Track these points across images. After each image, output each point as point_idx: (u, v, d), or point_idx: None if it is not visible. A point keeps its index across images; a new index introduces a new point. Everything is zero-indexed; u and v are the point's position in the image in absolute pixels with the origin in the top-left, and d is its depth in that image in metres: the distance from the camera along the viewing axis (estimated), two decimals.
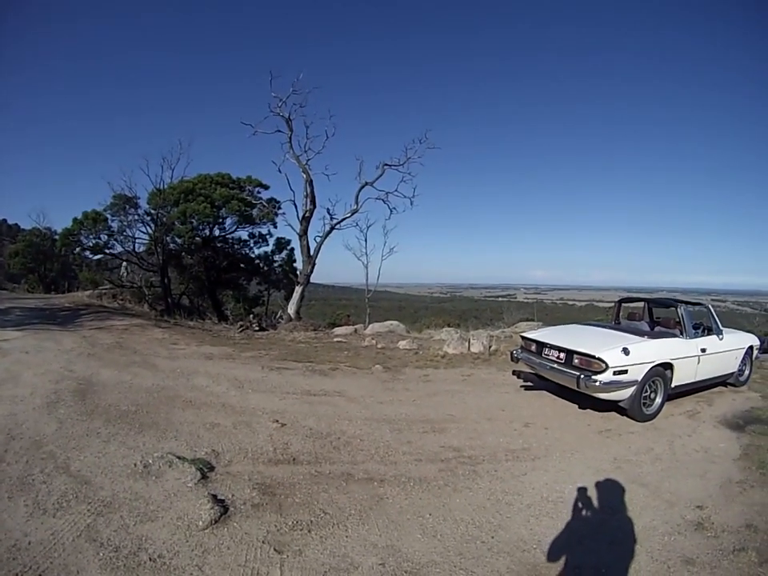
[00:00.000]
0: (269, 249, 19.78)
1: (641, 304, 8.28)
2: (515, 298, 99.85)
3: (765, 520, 3.54)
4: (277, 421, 4.82)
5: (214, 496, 3.23)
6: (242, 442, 4.28)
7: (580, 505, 3.63)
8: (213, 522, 2.93)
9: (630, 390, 5.48)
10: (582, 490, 3.83)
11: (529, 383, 6.92)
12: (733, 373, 7.24)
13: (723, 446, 5.00)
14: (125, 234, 16.76)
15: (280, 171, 15.10)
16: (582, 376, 5.36)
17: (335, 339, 10.65)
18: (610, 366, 5.27)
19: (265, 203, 17.41)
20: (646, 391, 5.69)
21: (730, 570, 2.92)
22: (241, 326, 11.31)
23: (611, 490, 3.88)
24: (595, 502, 3.69)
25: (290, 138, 14.78)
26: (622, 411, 5.75)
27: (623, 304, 8.03)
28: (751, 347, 7.60)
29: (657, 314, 7.94)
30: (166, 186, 16.71)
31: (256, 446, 4.19)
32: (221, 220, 17.62)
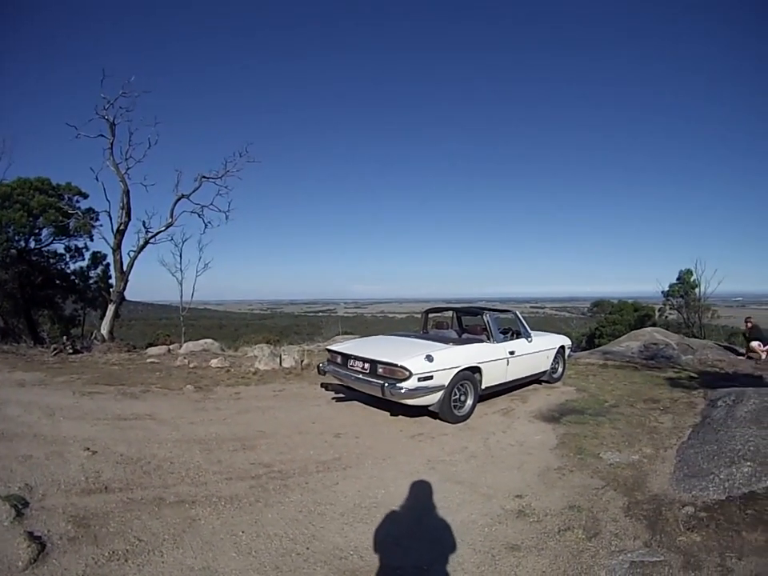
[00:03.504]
0: (85, 264, 17.54)
1: (449, 313, 8.43)
2: (336, 312, 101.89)
3: (588, 499, 3.65)
4: (88, 449, 4.62)
5: (30, 533, 3.03)
6: (55, 473, 4.05)
7: (395, 508, 3.58)
8: (32, 560, 2.78)
9: (438, 395, 5.50)
10: (395, 494, 3.81)
11: (340, 395, 6.74)
12: (546, 371, 7.58)
13: (539, 438, 5.15)
14: None
15: (97, 179, 14.18)
16: (387, 384, 5.30)
17: (148, 360, 10.32)
18: (413, 373, 5.26)
19: (81, 214, 15.70)
20: (455, 394, 5.72)
21: (557, 550, 2.97)
22: (55, 348, 10.55)
23: (426, 491, 3.85)
24: (411, 504, 3.66)
25: (112, 143, 13.97)
26: (434, 415, 5.74)
27: (430, 314, 8.07)
28: (563, 347, 8.02)
29: (465, 322, 8.07)
30: None
31: (68, 477, 3.99)
32: (37, 231, 15.37)
